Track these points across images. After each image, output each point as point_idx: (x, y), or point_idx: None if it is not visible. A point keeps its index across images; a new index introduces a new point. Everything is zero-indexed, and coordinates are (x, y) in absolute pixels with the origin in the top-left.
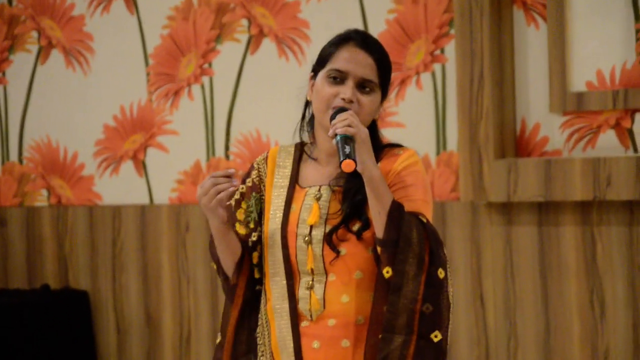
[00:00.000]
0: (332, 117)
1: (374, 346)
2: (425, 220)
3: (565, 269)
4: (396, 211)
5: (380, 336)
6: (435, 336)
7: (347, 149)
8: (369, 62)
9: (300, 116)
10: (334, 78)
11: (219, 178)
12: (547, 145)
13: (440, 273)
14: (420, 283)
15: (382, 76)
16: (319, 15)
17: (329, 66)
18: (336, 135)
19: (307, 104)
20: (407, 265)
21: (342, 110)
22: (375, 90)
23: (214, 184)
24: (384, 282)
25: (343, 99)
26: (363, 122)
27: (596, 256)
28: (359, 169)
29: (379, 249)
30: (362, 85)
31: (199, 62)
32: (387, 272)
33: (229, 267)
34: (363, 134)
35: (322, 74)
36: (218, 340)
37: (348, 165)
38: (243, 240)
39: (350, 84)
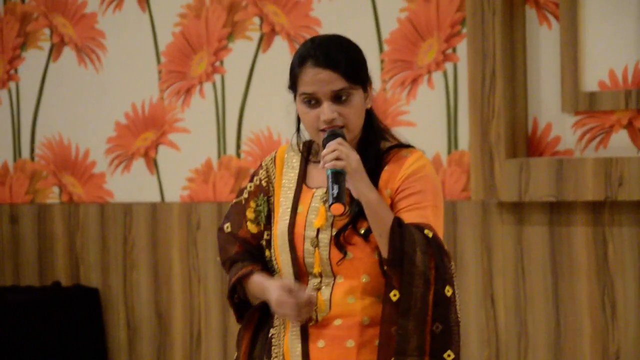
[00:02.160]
0: (323, 146)
1: (385, 346)
2: (431, 234)
3: (576, 269)
4: (397, 232)
5: (392, 359)
6: (449, 355)
7: (335, 190)
8: (333, 77)
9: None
10: (309, 102)
11: (301, 306)
12: (558, 144)
13: (448, 291)
14: (428, 303)
15: (352, 77)
16: (331, 14)
17: (300, 90)
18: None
19: (299, 117)
20: (413, 287)
21: (332, 136)
22: (352, 92)
23: (298, 312)
24: (391, 301)
25: (324, 121)
26: (354, 128)
27: (607, 256)
28: (354, 196)
29: (385, 267)
30: (337, 96)
31: (211, 60)
32: (395, 295)
33: (257, 300)
34: (354, 162)
35: (297, 97)
36: (235, 357)
37: (336, 209)
38: (256, 238)
39: (325, 104)
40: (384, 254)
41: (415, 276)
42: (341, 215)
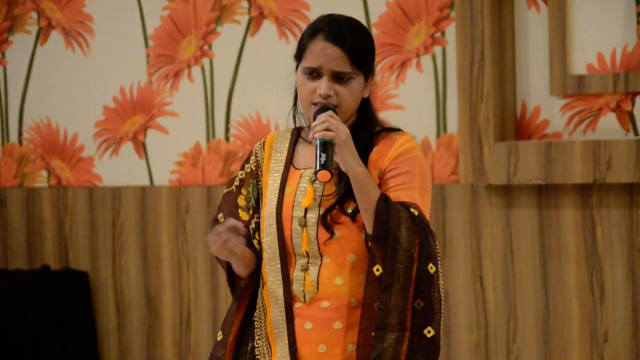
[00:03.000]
0: (314, 119)
1: (366, 329)
2: (416, 213)
3: (565, 252)
4: (383, 207)
5: (373, 333)
6: (429, 331)
7: (323, 158)
8: (340, 55)
9: (292, 102)
10: (310, 74)
11: (223, 232)
12: (547, 128)
13: (431, 268)
14: (410, 279)
15: (358, 62)
16: None
17: (303, 62)
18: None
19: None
20: (396, 262)
21: (322, 109)
22: (353, 77)
23: (221, 238)
24: (374, 275)
25: (320, 95)
26: (347, 110)
27: (596, 239)
28: (342, 169)
29: (369, 243)
30: (338, 77)
31: (199, 44)
32: (377, 269)
33: (241, 274)
34: (343, 134)
35: (299, 68)
36: (219, 338)
37: (323, 176)
38: (246, 226)
39: (325, 78)
40: (369, 229)
41: (399, 252)
42: (327, 182)
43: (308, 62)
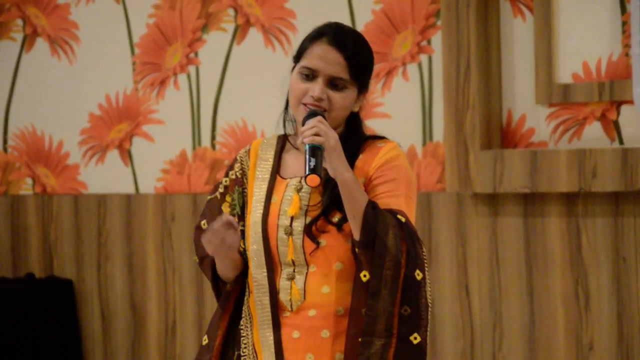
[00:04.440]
0: (303, 123)
1: (354, 337)
2: (403, 220)
3: (550, 260)
4: (371, 213)
5: (359, 339)
6: (415, 338)
7: (312, 163)
8: (340, 61)
9: (283, 106)
10: (306, 75)
11: (220, 229)
12: (533, 136)
13: (418, 275)
14: (397, 286)
15: (355, 73)
16: (306, 5)
17: (302, 62)
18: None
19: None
20: (384, 269)
21: (312, 115)
22: (348, 86)
23: (218, 235)
24: (361, 281)
25: (312, 97)
26: (336, 119)
27: (581, 247)
28: (331, 175)
29: (356, 249)
30: (333, 83)
31: (185, 52)
32: (365, 275)
33: (228, 277)
34: (332, 140)
35: (296, 68)
36: (205, 343)
37: (312, 181)
38: None
39: (319, 81)
40: (356, 235)
41: (387, 258)
42: (316, 187)
43: (307, 62)
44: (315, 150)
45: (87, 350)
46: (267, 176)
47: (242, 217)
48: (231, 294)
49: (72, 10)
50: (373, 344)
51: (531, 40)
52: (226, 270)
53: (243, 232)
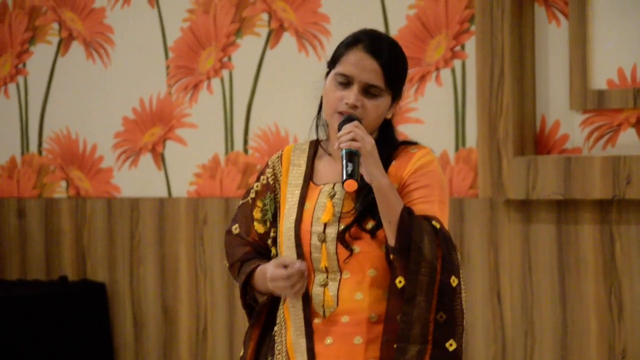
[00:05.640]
0: (339, 128)
1: (388, 343)
2: (438, 226)
3: (583, 268)
4: (406, 219)
5: (395, 346)
6: (450, 344)
7: (350, 168)
8: (375, 68)
9: (316, 111)
10: (340, 82)
11: (293, 277)
12: (566, 142)
13: (454, 281)
14: (433, 292)
15: (390, 80)
16: (340, 10)
17: (337, 69)
18: (341, 149)
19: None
20: (419, 274)
21: (348, 120)
22: (382, 94)
23: (291, 284)
24: (396, 287)
25: (347, 104)
26: (369, 126)
27: (615, 255)
28: (367, 180)
29: (391, 255)
30: (368, 91)
31: (219, 56)
32: (400, 281)
33: (264, 292)
34: (369, 145)
35: (331, 75)
36: (242, 354)
37: (350, 186)
38: (264, 238)
39: (355, 88)
40: (391, 241)
41: (422, 264)
42: (353, 192)
43: (342, 68)
44: (352, 156)
45: (118, 353)
46: (300, 182)
47: (274, 222)
48: (265, 304)
49: (107, 14)
50: (408, 350)
51: (566, 46)
52: (267, 290)
53: (274, 239)
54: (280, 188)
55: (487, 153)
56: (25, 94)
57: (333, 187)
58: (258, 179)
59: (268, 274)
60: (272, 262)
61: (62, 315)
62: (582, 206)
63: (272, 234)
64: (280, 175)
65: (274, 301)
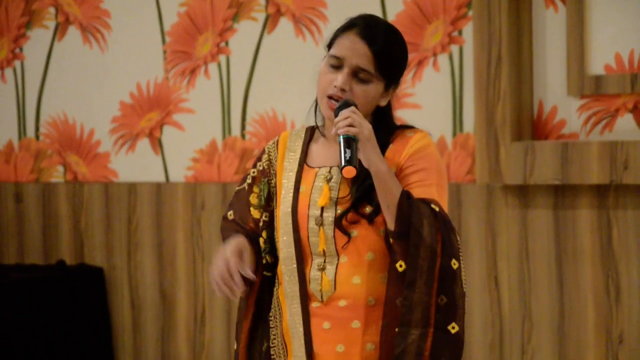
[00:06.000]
0: (336, 114)
1: (387, 327)
2: (437, 209)
3: (580, 253)
4: (405, 203)
5: (396, 330)
6: (453, 327)
7: (348, 154)
8: (366, 52)
9: (314, 96)
10: (332, 65)
11: (226, 275)
12: (564, 128)
13: (454, 264)
14: (434, 275)
15: (382, 67)
16: None
17: (331, 51)
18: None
19: None
20: (419, 258)
21: (345, 105)
22: (372, 80)
23: (222, 276)
24: (397, 271)
25: (335, 87)
26: (360, 111)
27: (612, 240)
28: (365, 165)
29: (391, 240)
30: (357, 75)
31: (216, 41)
32: (400, 265)
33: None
34: (366, 130)
35: (325, 57)
36: (235, 348)
37: (348, 172)
38: (258, 224)
39: (345, 71)
40: (391, 226)
41: (422, 248)
42: (353, 178)
43: (335, 50)
44: (350, 142)
45: (116, 337)
46: (295, 166)
47: (266, 207)
48: (251, 295)
49: None
50: (410, 334)
51: (563, 32)
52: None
53: (266, 222)
54: (275, 174)
55: (484, 139)
56: (22, 78)
57: (330, 171)
58: (255, 165)
59: (217, 259)
60: (234, 242)
61: (59, 300)
62: (580, 191)
63: (264, 218)
64: (276, 161)
65: (261, 291)
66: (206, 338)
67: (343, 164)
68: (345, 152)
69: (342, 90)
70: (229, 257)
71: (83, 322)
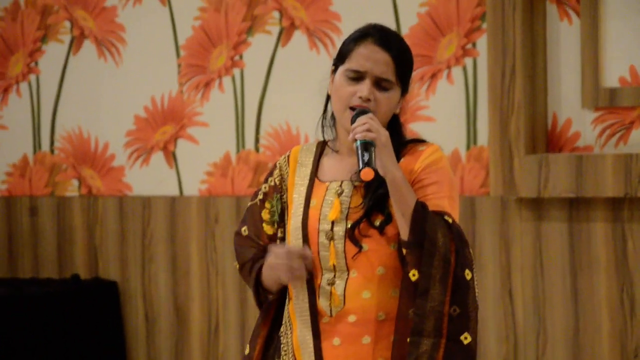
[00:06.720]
0: (353, 120)
1: (399, 342)
2: (450, 221)
3: (595, 266)
4: (420, 212)
5: (408, 340)
6: (465, 338)
7: (366, 157)
8: (386, 60)
9: (322, 111)
10: (352, 77)
11: (294, 257)
12: (578, 140)
13: (467, 274)
14: (447, 285)
15: (400, 73)
16: (351, 8)
17: (347, 64)
18: (356, 140)
19: (329, 97)
20: (433, 268)
21: (362, 112)
22: (393, 87)
23: (289, 263)
24: (409, 280)
25: (360, 98)
26: (381, 120)
27: (627, 253)
28: (380, 173)
29: (404, 250)
30: (380, 84)
31: (230, 54)
32: (414, 275)
33: (273, 288)
34: (383, 137)
35: (340, 71)
36: (247, 352)
37: (367, 174)
38: (273, 240)
39: (367, 82)
40: (404, 235)
41: (436, 257)
42: (371, 181)
43: (353, 64)
44: (368, 146)
45: (130, 351)
46: (306, 181)
47: (280, 223)
48: (273, 303)
49: (119, 12)
50: (422, 344)
51: (577, 44)
52: (275, 285)
53: (282, 240)
54: (287, 189)
55: (498, 151)
56: (38, 92)
57: (340, 185)
58: (266, 181)
59: (268, 257)
60: (273, 249)
61: (74, 314)
62: (594, 204)
63: (279, 235)
64: (287, 176)
65: (283, 300)
66: (220, 351)
67: (361, 166)
68: (363, 155)
69: (368, 100)
70: (286, 248)
71: (97, 336)
